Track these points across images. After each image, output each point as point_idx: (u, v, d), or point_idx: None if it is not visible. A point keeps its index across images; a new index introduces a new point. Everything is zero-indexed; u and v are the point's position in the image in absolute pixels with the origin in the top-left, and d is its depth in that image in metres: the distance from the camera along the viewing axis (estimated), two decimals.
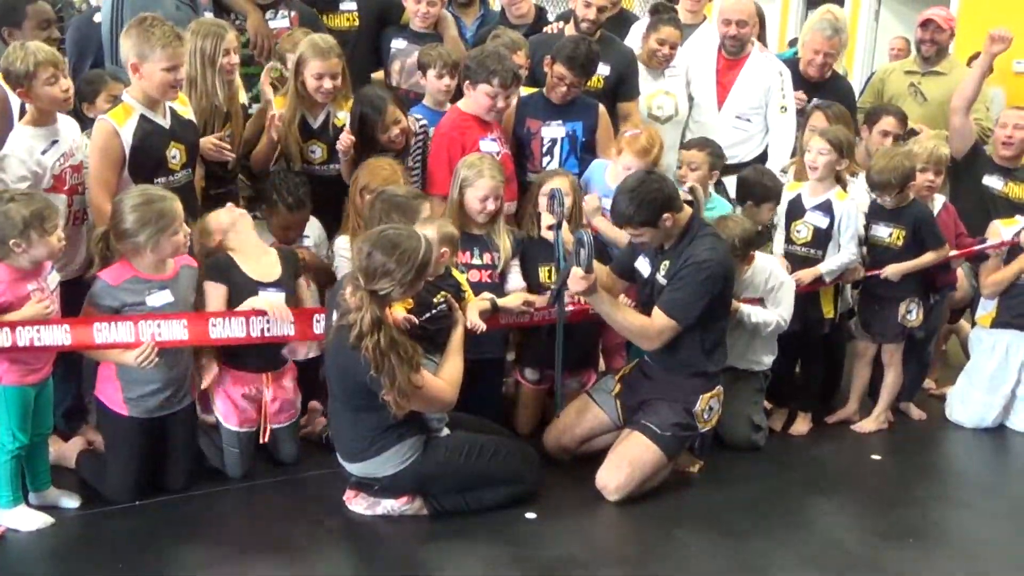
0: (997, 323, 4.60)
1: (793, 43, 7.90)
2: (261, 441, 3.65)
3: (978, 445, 4.48)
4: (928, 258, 4.33)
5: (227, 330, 3.45)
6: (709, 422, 3.76)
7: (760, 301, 4.07)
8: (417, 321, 3.37)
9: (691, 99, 5.07)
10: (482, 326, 3.57)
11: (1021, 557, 3.42)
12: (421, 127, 4.25)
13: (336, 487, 3.50)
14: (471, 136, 4.12)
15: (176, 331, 3.35)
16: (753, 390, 4.20)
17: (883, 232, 4.36)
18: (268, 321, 3.50)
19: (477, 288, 3.76)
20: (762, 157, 5.03)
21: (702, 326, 3.62)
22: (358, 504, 3.43)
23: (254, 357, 3.60)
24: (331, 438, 3.59)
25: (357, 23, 4.74)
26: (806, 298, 4.24)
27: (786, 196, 4.39)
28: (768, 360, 4.19)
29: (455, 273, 3.67)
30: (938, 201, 4.65)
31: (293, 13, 4.57)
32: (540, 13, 5.38)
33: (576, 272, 3.46)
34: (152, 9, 3.80)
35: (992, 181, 4.95)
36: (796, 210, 4.33)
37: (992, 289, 4.59)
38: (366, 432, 3.29)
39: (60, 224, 3.21)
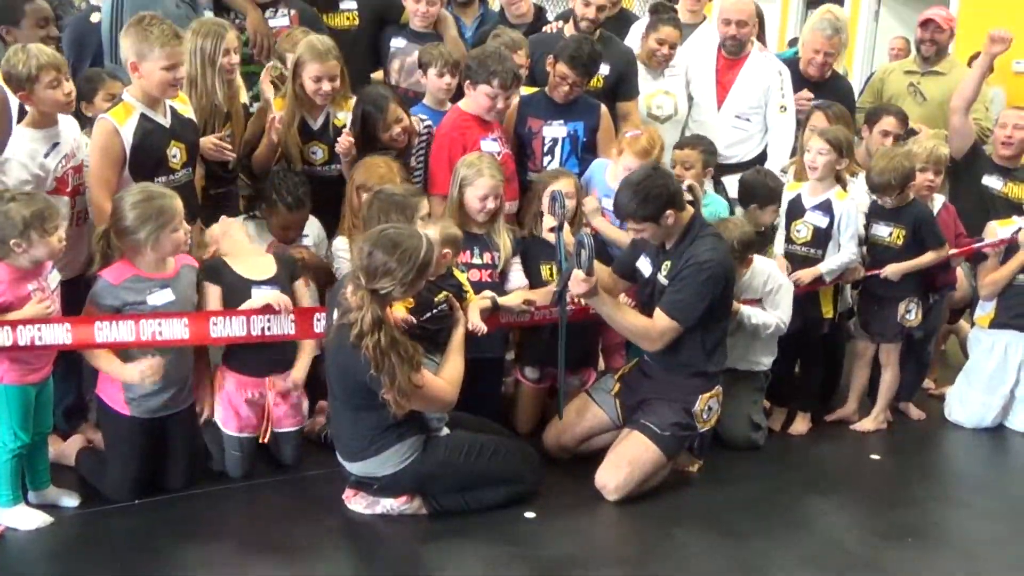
0: (995, 324, 4.60)
1: (793, 43, 7.90)
2: (261, 441, 3.65)
3: (977, 445, 4.49)
4: (928, 258, 4.34)
5: (228, 329, 3.44)
6: (708, 422, 3.76)
7: (758, 303, 4.07)
8: (415, 321, 3.37)
9: (690, 99, 5.07)
10: (484, 328, 3.57)
11: (1020, 556, 3.42)
12: (426, 127, 4.24)
13: (336, 486, 3.50)
14: (472, 136, 4.12)
15: (177, 330, 3.35)
16: (753, 389, 4.20)
17: (883, 231, 4.36)
18: (269, 320, 3.49)
19: (477, 287, 3.76)
20: (761, 157, 5.03)
21: (703, 327, 3.62)
22: (357, 503, 3.43)
23: (257, 360, 3.58)
24: (331, 437, 3.59)
25: (357, 22, 4.74)
26: (805, 298, 4.24)
27: (786, 196, 4.40)
28: (767, 361, 4.20)
29: (456, 273, 3.67)
30: (938, 201, 4.65)
31: (293, 12, 4.56)
32: (539, 12, 5.38)
33: (577, 274, 3.45)
34: (152, 8, 3.80)
35: (991, 181, 4.95)
36: (796, 210, 4.33)
37: (989, 290, 4.59)
38: (366, 431, 3.29)
39: (62, 225, 3.20)
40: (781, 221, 4.38)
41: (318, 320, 3.56)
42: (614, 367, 4.21)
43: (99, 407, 3.50)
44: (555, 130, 4.39)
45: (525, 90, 4.45)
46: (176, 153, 3.61)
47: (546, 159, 4.41)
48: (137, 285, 3.33)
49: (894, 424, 4.53)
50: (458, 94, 4.31)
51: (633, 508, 3.56)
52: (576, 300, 3.66)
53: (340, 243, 3.90)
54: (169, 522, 3.32)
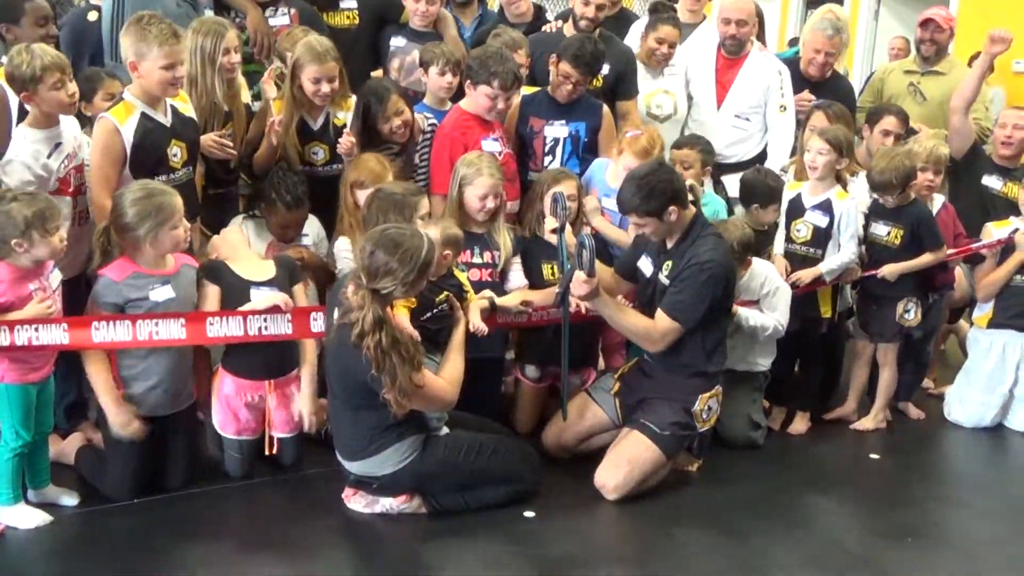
0: (993, 324, 4.61)
1: (793, 43, 7.90)
2: (267, 453, 3.62)
3: (976, 445, 4.49)
4: (925, 259, 4.34)
5: (225, 329, 3.44)
6: (708, 422, 3.76)
7: (756, 305, 4.08)
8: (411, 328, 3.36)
9: (690, 98, 5.06)
10: (484, 329, 3.57)
11: (1019, 556, 3.43)
12: (430, 125, 4.23)
13: (335, 486, 3.50)
14: (473, 136, 4.12)
15: (174, 330, 3.34)
16: (752, 389, 4.21)
17: (881, 230, 4.36)
18: (266, 320, 3.48)
19: (477, 287, 3.76)
20: (761, 156, 5.03)
21: (704, 327, 3.62)
22: (357, 502, 3.43)
23: (256, 363, 3.55)
24: (330, 436, 3.58)
25: (357, 21, 4.73)
26: (804, 298, 4.25)
27: (786, 195, 4.40)
28: (766, 362, 4.20)
29: (457, 273, 3.67)
30: (937, 201, 4.65)
31: (293, 10, 4.55)
32: (539, 12, 5.37)
33: (579, 276, 3.45)
34: (152, 7, 3.79)
35: (991, 181, 4.95)
36: (796, 209, 4.33)
37: (986, 291, 4.59)
38: (366, 431, 3.29)
39: (63, 225, 3.20)
40: (781, 221, 4.38)
41: (315, 319, 3.56)
42: (614, 366, 4.21)
43: (99, 406, 3.49)
44: (557, 130, 4.38)
45: (527, 90, 4.44)
46: (177, 152, 3.60)
47: (547, 159, 4.41)
48: (139, 281, 3.33)
49: (893, 423, 4.54)
50: (459, 93, 4.31)
51: (633, 507, 3.57)
52: (577, 302, 3.66)
53: (342, 243, 3.89)
54: (169, 521, 3.32)
